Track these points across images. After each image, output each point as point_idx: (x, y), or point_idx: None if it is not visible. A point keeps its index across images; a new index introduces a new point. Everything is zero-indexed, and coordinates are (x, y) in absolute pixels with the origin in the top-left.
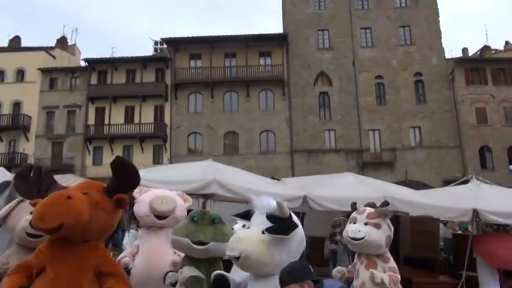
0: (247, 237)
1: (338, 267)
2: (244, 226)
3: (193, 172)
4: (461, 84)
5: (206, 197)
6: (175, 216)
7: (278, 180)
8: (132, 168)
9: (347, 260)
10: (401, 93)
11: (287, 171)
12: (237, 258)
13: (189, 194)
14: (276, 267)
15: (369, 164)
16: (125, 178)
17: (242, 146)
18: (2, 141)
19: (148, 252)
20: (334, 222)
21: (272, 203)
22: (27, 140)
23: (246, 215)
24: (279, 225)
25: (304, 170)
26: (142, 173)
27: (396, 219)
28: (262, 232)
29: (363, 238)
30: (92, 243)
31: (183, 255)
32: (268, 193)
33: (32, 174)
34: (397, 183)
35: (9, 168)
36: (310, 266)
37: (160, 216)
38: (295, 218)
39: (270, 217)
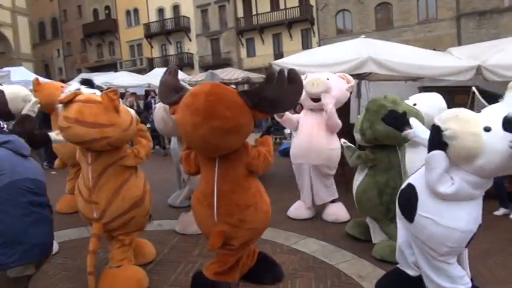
0: (467, 121)
1: None
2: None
3: (345, 52)
4: None
5: (360, 77)
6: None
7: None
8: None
9: None
10: None
11: (452, 41)
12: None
13: None
14: (471, 168)
15: None
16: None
17: (396, 17)
18: (171, 44)
19: (310, 130)
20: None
21: None
22: (190, 40)
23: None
24: None
25: (474, 37)
26: (292, 58)
27: None
28: (486, 129)
29: None
30: None
31: None
32: (433, 66)
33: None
34: None
35: (180, 68)
36: None
37: (315, 99)
38: None
39: (507, 122)
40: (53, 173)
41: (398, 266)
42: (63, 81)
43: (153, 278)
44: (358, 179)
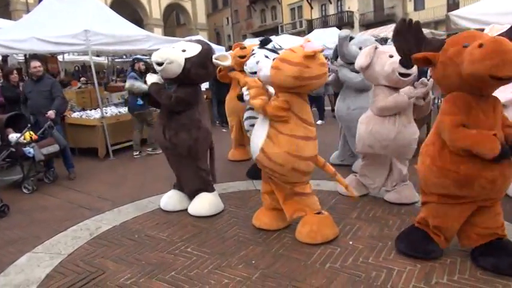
0: None
1: None
2: None
3: None
4: None
5: None
6: None
7: None
8: None
9: None
10: None
11: None
12: None
13: None
14: None
15: None
16: None
17: None
18: (331, 3)
19: None
20: None
21: None
22: None
23: None
24: None
25: None
26: (473, 8)
27: None
28: None
29: None
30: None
31: None
32: None
33: (408, 31)
34: None
35: (339, 27)
36: None
37: None
38: None
39: None
40: (224, 130)
41: None
42: (231, 47)
43: None
44: None
